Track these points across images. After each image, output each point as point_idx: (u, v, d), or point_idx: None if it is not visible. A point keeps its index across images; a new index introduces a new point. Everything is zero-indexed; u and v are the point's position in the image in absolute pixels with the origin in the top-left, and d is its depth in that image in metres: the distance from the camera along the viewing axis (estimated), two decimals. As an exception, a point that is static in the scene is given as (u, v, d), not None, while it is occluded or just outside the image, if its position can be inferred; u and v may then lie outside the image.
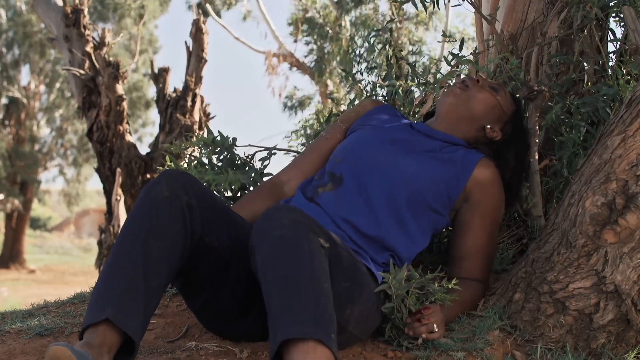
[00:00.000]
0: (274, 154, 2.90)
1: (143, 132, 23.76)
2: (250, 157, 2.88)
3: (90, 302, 1.96)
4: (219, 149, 2.82)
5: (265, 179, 2.78)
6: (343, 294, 2.04)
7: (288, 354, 1.81)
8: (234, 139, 2.84)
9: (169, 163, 2.82)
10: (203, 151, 2.81)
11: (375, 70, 3.12)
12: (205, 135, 2.84)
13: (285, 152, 3.07)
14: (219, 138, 2.82)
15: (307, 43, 14.47)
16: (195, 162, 2.81)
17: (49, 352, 1.80)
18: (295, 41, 14.59)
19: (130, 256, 1.98)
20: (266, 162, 2.87)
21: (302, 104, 15.09)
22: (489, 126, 2.52)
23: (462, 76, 2.52)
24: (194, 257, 2.11)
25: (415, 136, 2.50)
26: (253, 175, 2.79)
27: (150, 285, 1.97)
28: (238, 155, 2.85)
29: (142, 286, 1.95)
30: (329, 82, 14.46)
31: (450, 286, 2.29)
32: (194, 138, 2.83)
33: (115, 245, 2.03)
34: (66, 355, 1.78)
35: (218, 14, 17.07)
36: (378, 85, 3.04)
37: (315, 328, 1.82)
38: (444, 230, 2.68)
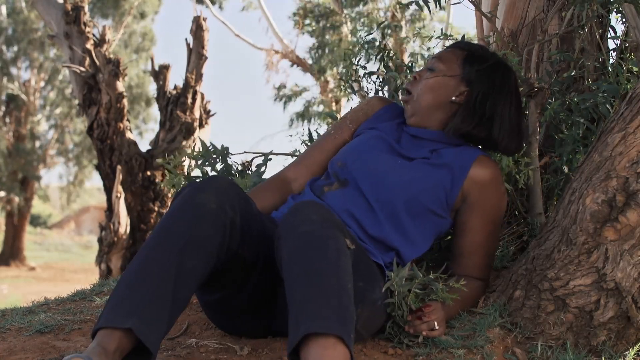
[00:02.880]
0: (270, 159, 2.88)
1: (144, 127, 23.81)
2: (248, 163, 2.87)
3: (111, 299, 1.92)
4: (211, 159, 2.81)
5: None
6: (357, 293, 2.03)
7: (307, 348, 1.80)
8: (227, 148, 2.83)
9: (168, 177, 2.81)
10: (198, 163, 2.81)
11: (373, 77, 3.12)
12: (199, 148, 2.83)
13: (282, 155, 3.07)
14: (212, 149, 2.81)
15: (311, 35, 14.45)
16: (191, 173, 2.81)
17: None
18: (300, 28, 14.53)
19: (164, 264, 1.94)
20: (262, 169, 2.85)
21: (294, 95, 15.09)
22: (453, 97, 2.44)
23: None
24: (222, 263, 2.09)
25: (408, 142, 2.48)
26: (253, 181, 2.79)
27: (178, 296, 1.94)
28: (235, 162, 2.85)
29: (170, 298, 1.92)
30: (329, 78, 14.46)
31: (456, 285, 2.29)
32: (190, 150, 2.83)
33: (149, 244, 1.99)
34: None
35: (213, 2, 17.05)
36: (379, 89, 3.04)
37: (337, 325, 1.82)
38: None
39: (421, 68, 2.48)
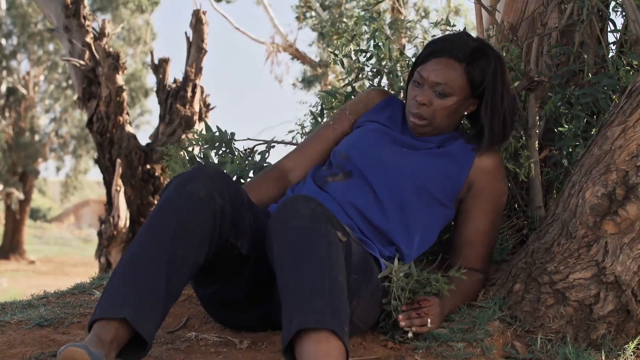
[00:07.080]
0: (273, 147, 2.89)
1: (141, 120, 23.83)
2: (249, 150, 2.88)
3: (106, 292, 1.94)
4: (217, 144, 2.81)
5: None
6: (351, 286, 2.03)
7: (301, 342, 1.81)
8: (232, 134, 2.83)
9: (171, 160, 2.81)
10: (203, 147, 2.81)
11: (367, 54, 3.08)
12: (204, 131, 2.83)
13: (284, 144, 3.06)
14: (217, 134, 2.82)
15: (313, 29, 14.39)
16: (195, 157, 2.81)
17: (66, 352, 1.78)
18: (300, 21, 14.44)
19: (155, 254, 1.96)
20: (265, 156, 2.86)
21: (313, 80, 14.98)
22: (465, 113, 2.45)
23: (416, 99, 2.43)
24: (214, 252, 2.09)
25: (413, 137, 2.48)
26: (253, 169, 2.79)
27: (171, 286, 1.96)
28: (237, 149, 2.85)
29: (163, 287, 1.94)
30: (329, 72, 14.44)
31: (456, 274, 2.29)
32: (192, 135, 2.82)
33: (141, 235, 2.00)
34: (84, 358, 1.77)
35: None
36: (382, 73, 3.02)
37: (330, 318, 1.83)
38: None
39: (422, 86, 2.41)
